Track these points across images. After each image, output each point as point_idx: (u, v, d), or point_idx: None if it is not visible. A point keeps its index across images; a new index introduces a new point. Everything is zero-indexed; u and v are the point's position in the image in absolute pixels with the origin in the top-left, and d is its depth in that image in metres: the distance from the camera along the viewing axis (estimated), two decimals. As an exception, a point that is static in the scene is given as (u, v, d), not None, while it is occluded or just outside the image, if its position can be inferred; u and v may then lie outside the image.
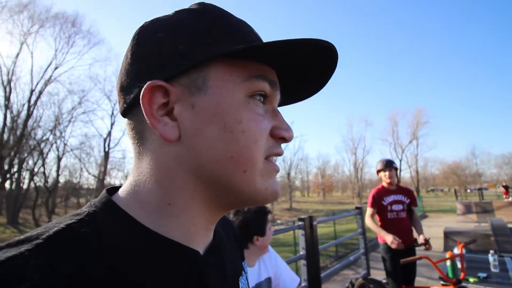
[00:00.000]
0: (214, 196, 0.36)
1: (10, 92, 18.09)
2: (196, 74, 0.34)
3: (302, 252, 2.92)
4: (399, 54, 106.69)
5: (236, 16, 0.40)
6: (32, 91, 18.86)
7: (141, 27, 0.37)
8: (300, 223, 2.98)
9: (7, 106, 17.90)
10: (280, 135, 0.37)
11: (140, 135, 0.36)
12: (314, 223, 3.00)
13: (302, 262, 2.90)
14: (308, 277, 2.83)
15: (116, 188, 0.38)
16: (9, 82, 18.02)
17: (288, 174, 37.09)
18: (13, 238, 0.27)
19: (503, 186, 18.56)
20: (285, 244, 9.71)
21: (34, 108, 19.03)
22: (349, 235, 4.81)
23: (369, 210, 3.06)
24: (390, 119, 48.56)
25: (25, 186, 23.02)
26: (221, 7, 0.40)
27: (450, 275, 2.59)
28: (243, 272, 0.49)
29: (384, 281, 3.15)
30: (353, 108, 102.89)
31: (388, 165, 3.07)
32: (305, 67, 0.39)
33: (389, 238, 2.74)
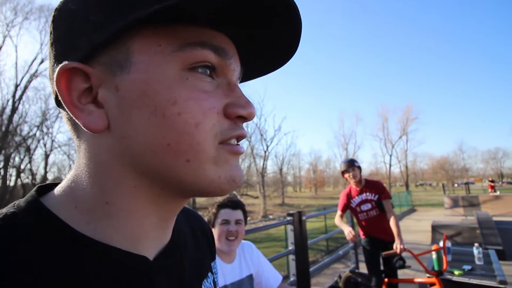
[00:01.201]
0: (160, 190, 0.30)
1: (-6, 86, 17.55)
2: (116, 50, 0.28)
3: (291, 247, 2.92)
4: (390, 51, 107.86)
5: None
6: (17, 86, 18.31)
7: (60, 2, 0.31)
8: (289, 218, 2.97)
9: (-10, 101, 17.36)
10: (236, 113, 0.31)
11: (75, 127, 0.31)
12: (303, 218, 2.99)
13: (291, 257, 2.90)
14: (297, 271, 2.83)
15: (55, 185, 0.32)
16: (-8, 76, 17.45)
17: (280, 169, 37.22)
18: None
19: (490, 181, 19.10)
20: (277, 239, 9.77)
21: (19, 103, 18.51)
22: (338, 230, 4.84)
23: (337, 213, 3.12)
24: (381, 115, 49.16)
25: (11, 183, 22.49)
26: None
27: (436, 267, 2.63)
28: (209, 274, 0.44)
29: (367, 274, 3.20)
30: (345, 104, 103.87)
31: (350, 165, 3.00)
32: (262, 29, 0.32)
33: (346, 231, 2.85)
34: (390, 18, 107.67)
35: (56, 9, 0.31)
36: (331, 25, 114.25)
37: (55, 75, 0.28)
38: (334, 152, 70.87)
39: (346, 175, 3.04)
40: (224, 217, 1.35)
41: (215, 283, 0.46)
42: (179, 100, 0.28)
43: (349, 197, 3.06)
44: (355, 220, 3.20)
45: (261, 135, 28.57)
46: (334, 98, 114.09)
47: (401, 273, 3.28)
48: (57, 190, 0.31)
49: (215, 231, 1.34)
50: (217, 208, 1.36)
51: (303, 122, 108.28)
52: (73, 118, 0.29)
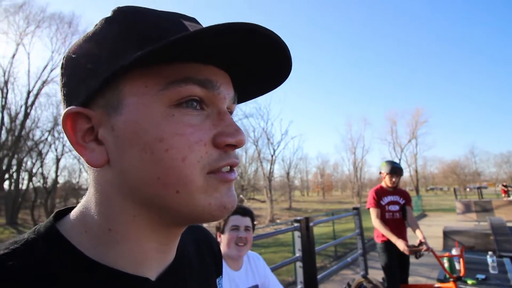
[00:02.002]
0: (159, 219, 0.33)
1: (7, 93, 18.07)
2: (110, 93, 0.31)
3: (298, 253, 2.88)
4: (398, 54, 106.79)
5: (167, 11, 0.35)
6: (29, 92, 18.82)
7: (67, 50, 0.35)
8: (296, 224, 2.94)
9: (4, 107, 17.85)
10: (224, 142, 0.32)
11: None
12: (311, 224, 2.95)
13: (299, 264, 2.86)
14: (304, 279, 2.79)
15: (71, 209, 0.36)
16: (6, 83, 17.97)
17: (288, 173, 37.01)
18: None
19: (503, 185, 18.57)
20: (284, 244, 9.67)
21: (31, 109, 19.02)
22: (346, 236, 4.78)
23: (373, 211, 3.08)
24: (389, 119, 48.56)
25: (24, 187, 22.99)
26: (143, 5, 0.35)
27: (447, 274, 2.57)
28: None
29: (381, 280, 3.13)
30: (352, 108, 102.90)
31: (399, 172, 3.10)
32: (247, 58, 0.34)
33: (400, 245, 2.74)
34: (398, 20, 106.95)
35: (64, 57, 0.35)
36: (338, 27, 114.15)
37: (61, 118, 0.32)
38: (342, 156, 70.27)
39: (389, 177, 3.11)
40: (234, 223, 1.36)
41: None
42: (165, 137, 0.30)
43: (379, 194, 3.11)
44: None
45: (268, 139, 28.47)
46: (342, 102, 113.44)
47: (412, 280, 3.21)
48: (72, 215, 0.34)
49: (225, 237, 1.35)
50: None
51: (310, 126, 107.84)
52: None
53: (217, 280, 0.50)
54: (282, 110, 71.84)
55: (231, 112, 0.38)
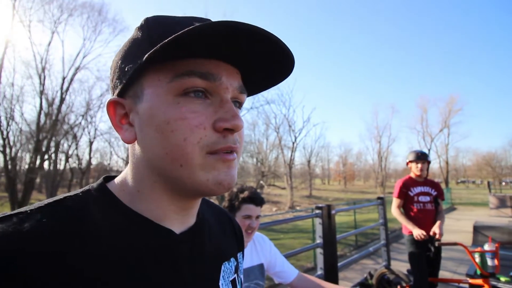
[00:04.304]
0: (171, 186, 0.40)
1: (45, 79, 19.19)
2: (136, 86, 0.40)
3: (319, 240, 2.89)
4: (431, 36, 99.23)
5: (186, 16, 0.42)
6: (64, 78, 19.79)
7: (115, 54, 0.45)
8: (317, 211, 2.93)
9: (42, 92, 19.05)
10: (221, 126, 0.38)
11: None
12: (333, 212, 2.93)
13: (319, 250, 2.87)
14: (324, 265, 2.80)
15: (115, 177, 0.45)
16: (43, 69, 19.03)
17: (309, 161, 36.63)
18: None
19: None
20: (303, 230, 9.73)
21: (66, 94, 20.03)
22: (369, 226, 4.69)
23: (395, 201, 3.02)
24: (420, 106, 45.69)
25: (61, 167, 24.84)
26: (179, 9, 0.40)
27: (478, 270, 2.45)
28: (232, 259, 0.52)
29: (405, 272, 3.07)
30: (380, 95, 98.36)
31: (422, 157, 3.00)
32: (248, 54, 0.39)
33: (416, 232, 2.69)
34: (430, 1, 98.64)
35: (113, 60, 0.44)
36: (366, 8, 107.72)
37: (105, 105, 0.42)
38: (366, 144, 68.21)
39: (413, 165, 3.03)
40: (247, 212, 1.37)
41: (237, 269, 0.53)
42: (171, 121, 0.37)
43: (407, 185, 3.02)
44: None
45: (290, 126, 28.14)
46: (369, 88, 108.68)
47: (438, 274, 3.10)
48: (116, 179, 0.44)
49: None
50: (240, 202, 1.38)
51: (333, 113, 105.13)
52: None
53: (238, 254, 0.56)
54: (305, 97, 70.35)
55: (239, 102, 0.43)
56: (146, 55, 0.35)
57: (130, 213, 0.39)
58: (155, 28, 0.39)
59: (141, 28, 0.40)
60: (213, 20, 0.41)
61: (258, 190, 1.46)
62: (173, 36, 0.33)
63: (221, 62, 0.39)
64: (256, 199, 1.39)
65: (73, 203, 0.37)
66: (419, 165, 2.99)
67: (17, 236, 0.30)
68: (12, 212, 0.33)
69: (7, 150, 17.50)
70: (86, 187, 0.41)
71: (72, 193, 0.39)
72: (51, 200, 0.37)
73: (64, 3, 19.88)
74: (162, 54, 0.35)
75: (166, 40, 0.33)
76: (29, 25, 18.55)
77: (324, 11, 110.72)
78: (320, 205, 2.95)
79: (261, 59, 0.40)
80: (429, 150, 42.03)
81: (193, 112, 0.37)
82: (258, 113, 27.46)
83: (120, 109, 0.41)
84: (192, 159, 0.37)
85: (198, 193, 0.39)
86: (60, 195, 0.38)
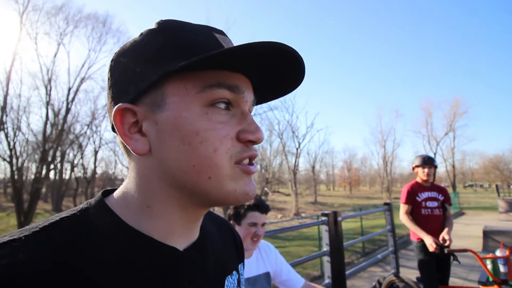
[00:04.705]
0: (189, 199, 0.39)
1: (51, 90, 19.53)
2: (155, 93, 0.37)
3: (325, 248, 2.84)
4: (434, 38, 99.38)
5: (200, 24, 0.41)
6: (69, 89, 20.11)
7: (115, 54, 0.41)
8: (323, 218, 2.89)
9: (48, 103, 19.36)
10: (246, 138, 0.38)
11: (126, 149, 0.40)
12: (339, 219, 2.89)
13: (326, 258, 2.82)
14: (332, 274, 2.75)
15: (113, 190, 0.43)
16: (49, 81, 19.40)
17: (313, 167, 36.43)
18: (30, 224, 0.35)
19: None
20: (309, 237, 9.61)
21: (72, 104, 20.34)
22: (377, 232, 4.61)
23: (403, 207, 2.97)
24: (424, 110, 45.30)
25: (66, 177, 25.03)
26: (182, 19, 0.41)
27: (490, 277, 2.39)
28: (234, 272, 0.51)
29: (414, 280, 3.00)
30: (383, 99, 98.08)
31: (429, 162, 2.97)
32: (269, 68, 0.40)
33: (428, 240, 2.62)
34: (434, 1, 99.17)
35: (112, 60, 0.41)
36: (368, 12, 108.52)
37: (112, 112, 0.38)
38: (371, 149, 67.74)
39: (419, 170, 3.00)
40: (252, 220, 1.36)
41: (239, 282, 0.52)
42: (200, 131, 0.36)
43: (414, 190, 2.97)
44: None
45: (293, 132, 28.15)
46: (371, 92, 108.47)
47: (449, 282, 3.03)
48: (116, 194, 0.41)
49: (240, 230, 1.36)
50: (246, 209, 1.37)
51: (337, 118, 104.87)
52: (125, 144, 0.39)
53: (239, 266, 0.55)
54: (307, 102, 70.44)
55: (250, 112, 0.43)
56: (183, 63, 0.34)
57: (133, 233, 0.37)
58: (178, 34, 0.38)
59: (158, 31, 0.39)
60: (223, 30, 0.43)
61: (263, 197, 1.46)
62: (224, 50, 0.33)
63: (242, 76, 0.40)
64: (262, 207, 1.39)
65: (69, 225, 0.34)
66: (426, 170, 2.96)
67: (10, 271, 0.28)
68: (6, 240, 0.31)
69: (14, 161, 17.70)
70: (84, 204, 0.39)
71: (69, 212, 0.36)
72: (46, 222, 0.34)
73: (70, 15, 20.39)
74: (198, 65, 0.35)
75: (213, 53, 0.34)
76: (35, 38, 19.00)
77: (326, 15, 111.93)
78: (326, 212, 2.92)
79: (277, 73, 0.41)
80: (435, 154, 41.55)
81: (221, 123, 0.37)
82: (261, 119, 27.48)
83: (130, 117, 0.38)
84: (222, 169, 0.36)
85: (222, 203, 0.39)
86: (55, 216, 0.36)
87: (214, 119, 0.37)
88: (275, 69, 0.40)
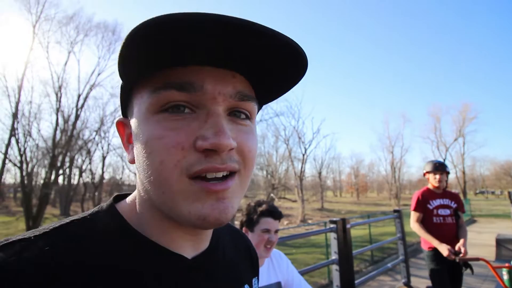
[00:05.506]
0: (164, 213, 0.36)
1: (61, 97, 19.97)
2: (130, 104, 0.37)
3: (334, 256, 2.79)
4: (441, 43, 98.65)
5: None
6: (79, 96, 20.57)
7: None
8: (332, 225, 2.84)
9: (58, 110, 19.79)
10: (200, 147, 0.31)
11: None
12: (348, 226, 2.84)
13: (335, 267, 2.76)
14: (341, 283, 2.69)
15: (126, 195, 0.43)
16: (60, 88, 19.87)
17: (319, 173, 36.13)
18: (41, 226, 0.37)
19: None
20: (316, 245, 9.46)
21: (81, 111, 20.78)
22: (387, 240, 4.51)
23: (414, 215, 2.88)
24: (432, 115, 44.78)
25: (75, 182, 25.37)
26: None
27: (509, 286, 2.29)
28: (246, 286, 0.48)
29: (425, 289, 2.91)
30: (390, 104, 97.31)
31: (440, 168, 2.87)
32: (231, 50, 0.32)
33: (443, 250, 2.53)
34: (441, 5, 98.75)
35: None
36: (375, 16, 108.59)
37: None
38: (378, 155, 66.92)
39: (431, 176, 2.91)
40: (266, 226, 1.35)
41: None
42: (148, 141, 0.32)
43: (425, 197, 2.88)
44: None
45: (299, 138, 28.02)
46: (378, 98, 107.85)
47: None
48: (127, 199, 0.41)
49: (253, 236, 1.35)
50: (259, 215, 1.36)
51: (343, 124, 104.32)
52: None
53: (253, 280, 0.52)
54: (314, 108, 70.26)
55: (244, 111, 0.36)
56: (119, 71, 0.33)
57: (139, 238, 0.36)
58: None
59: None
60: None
61: (268, 203, 1.44)
62: (123, 41, 0.29)
63: (206, 67, 0.33)
64: (275, 213, 1.37)
65: (78, 229, 0.34)
66: (437, 176, 2.86)
67: (16, 267, 0.28)
68: (16, 238, 0.31)
69: (24, 166, 18.04)
70: (96, 208, 0.39)
71: (80, 215, 0.37)
72: (57, 224, 0.34)
73: (80, 24, 20.96)
74: (128, 69, 0.32)
75: (119, 49, 0.30)
76: (47, 46, 19.55)
77: (331, 20, 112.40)
78: (334, 219, 2.87)
79: (266, 59, 0.34)
80: (444, 159, 40.79)
81: (171, 130, 0.32)
82: (267, 125, 27.52)
83: (127, 129, 0.40)
84: (171, 185, 0.32)
85: (184, 225, 0.35)
86: (67, 219, 0.36)
87: (163, 126, 0.32)
88: (256, 54, 0.33)
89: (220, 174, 0.33)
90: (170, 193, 0.32)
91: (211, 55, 0.32)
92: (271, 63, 0.35)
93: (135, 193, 0.40)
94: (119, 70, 0.34)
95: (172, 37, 0.28)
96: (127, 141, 0.40)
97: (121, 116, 0.41)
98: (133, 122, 0.36)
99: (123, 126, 0.40)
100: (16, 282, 0.27)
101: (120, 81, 0.38)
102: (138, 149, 0.34)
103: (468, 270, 2.51)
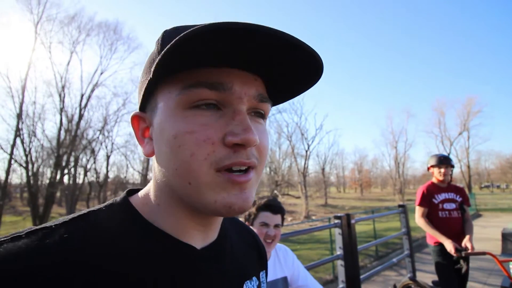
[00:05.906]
0: (186, 203, 0.38)
1: (64, 97, 20.14)
2: (152, 100, 0.39)
3: (339, 251, 2.79)
4: (443, 38, 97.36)
5: (200, 24, 0.37)
6: (82, 96, 20.73)
7: None
8: (337, 221, 2.84)
9: (62, 110, 19.95)
10: (230, 142, 0.34)
11: None
12: (352, 221, 2.83)
13: (339, 262, 2.76)
14: (346, 278, 2.69)
15: (139, 190, 0.45)
16: (63, 88, 20.03)
17: (323, 169, 36.09)
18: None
19: None
20: (320, 240, 9.48)
21: (85, 110, 20.95)
22: (392, 235, 4.50)
23: (419, 209, 2.85)
24: (436, 109, 44.30)
25: (80, 181, 25.59)
26: (185, 24, 0.40)
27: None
28: (254, 278, 0.50)
29: (431, 284, 2.91)
30: (393, 99, 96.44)
31: (445, 161, 2.83)
32: (257, 55, 0.35)
33: (448, 245, 2.52)
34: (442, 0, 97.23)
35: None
36: (377, 10, 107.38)
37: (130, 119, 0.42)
38: (382, 150, 66.52)
39: (435, 170, 2.87)
40: (263, 220, 1.34)
41: None
42: (178, 135, 0.35)
43: (430, 192, 2.85)
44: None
45: (302, 134, 27.96)
46: (381, 93, 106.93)
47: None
48: (140, 193, 0.43)
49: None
50: (257, 209, 1.36)
51: (346, 119, 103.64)
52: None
53: (261, 273, 0.54)
54: (316, 104, 69.73)
55: (261, 112, 0.40)
56: (152, 67, 0.34)
57: (151, 228, 0.38)
58: (166, 39, 0.37)
59: (157, 41, 0.39)
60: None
61: (272, 200, 1.44)
62: (171, 43, 0.30)
63: (235, 70, 0.36)
64: (273, 207, 1.36)
65: (96, 218, 0.37)
66: (442, 170, 2.83)
67: (39, 252, 0.30)
68: (38, 227, 0.34)
69: (29, 166, 18.25)
70: (110, 201, 0.41)
71: (96, 207, 0.39)
72: (76, 214, 0.37)
73: (82, 24, 21.06)
74: (166, 66, 0.33)
75: (165, 49, 0.31)
76: (49, 47, 19.70)
77: (333, 17, 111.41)
78: (339, 214, 2.86)
79: (285, 64, 0.37)
80: (448, 154, 40.34)
81: (202, 125, 0.35)
82: (270, 122, 27.49)
83: (142, 123, 0.42)
84: (200, 176, 0.34)
85: (206, 213, 0.38)
86: (85, 210, 0.39)
87: (194, 122, 0.35)
88: (277, 59, 0.36)
89: (243, 168, 0.36)
90: (197, 184, 0.35)
91: (241, 59, 0.35)
92: (289, 69, 0.38)
93: (148, 187, 0.42)
94: (145, 67, 0.40)
95: (226, 43, 0.32)
96: (142, 135, 0.41)
97: (137, 110, 0.42)
98: (156, 116, 0.38)
99: (138, 120, 0.42)
100: (39, 264, 0.30)
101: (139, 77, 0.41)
102: (164, 142, 0.36)
103: (464, 265, 2.49)
